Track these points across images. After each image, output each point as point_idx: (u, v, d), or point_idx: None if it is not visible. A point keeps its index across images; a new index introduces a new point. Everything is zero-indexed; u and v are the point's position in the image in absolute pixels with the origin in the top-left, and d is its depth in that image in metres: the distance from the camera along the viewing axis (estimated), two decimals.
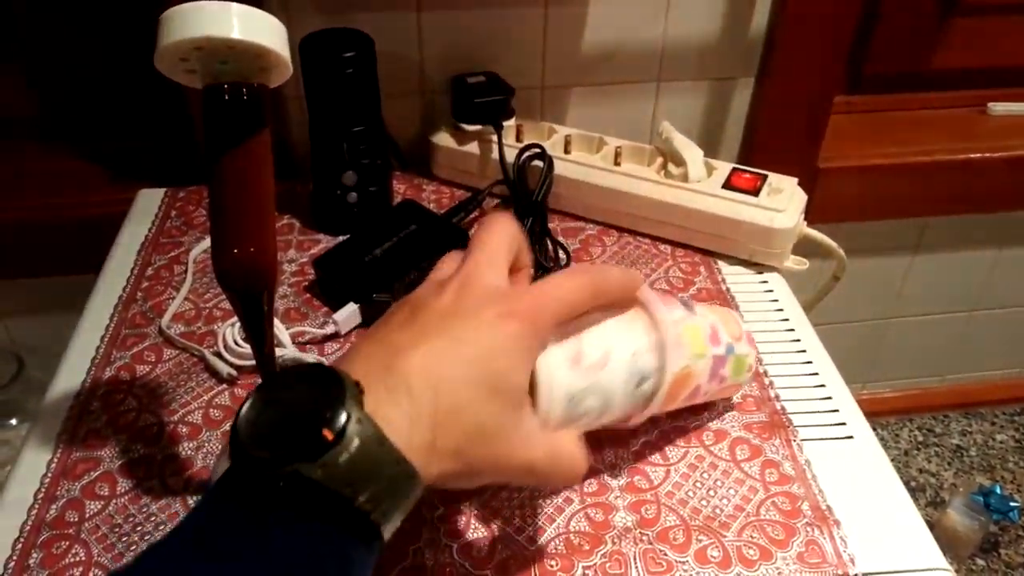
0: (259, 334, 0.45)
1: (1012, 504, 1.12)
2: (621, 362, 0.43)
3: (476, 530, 0.50)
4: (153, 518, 0.51)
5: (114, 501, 0.52)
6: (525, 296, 0.39)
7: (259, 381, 0.53)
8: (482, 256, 0.40)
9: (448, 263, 0.43)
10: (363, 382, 0.33)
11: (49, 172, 0.91)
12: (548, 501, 0.52)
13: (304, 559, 0.29)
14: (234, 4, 0.40)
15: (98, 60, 0.86)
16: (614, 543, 0.49)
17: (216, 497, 0.32)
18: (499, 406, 0.36)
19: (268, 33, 0.42)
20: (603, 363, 0.42)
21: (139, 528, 0.50)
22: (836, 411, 0.59)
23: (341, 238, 0.75)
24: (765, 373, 0.61)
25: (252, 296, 0.44)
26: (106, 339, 0.64)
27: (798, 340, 0.65)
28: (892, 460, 1.22)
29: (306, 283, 0.70)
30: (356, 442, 0.30)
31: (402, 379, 0.34)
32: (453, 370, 0.35)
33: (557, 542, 0.49)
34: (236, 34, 0.40)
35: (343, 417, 0.31)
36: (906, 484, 1.20)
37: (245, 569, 0.29)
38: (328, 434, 0.30)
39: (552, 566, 0.48)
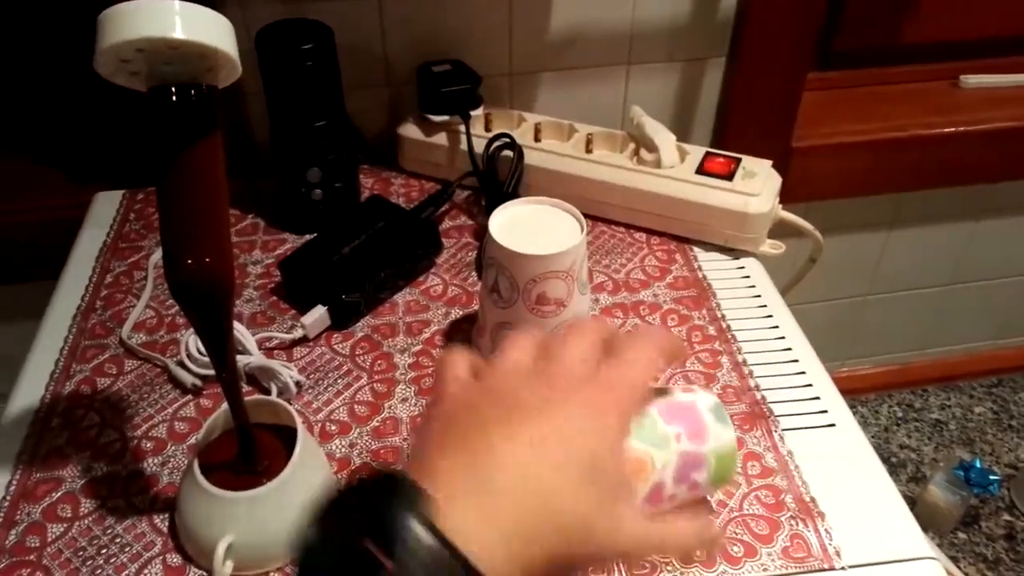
0: (219, 348, 0.43)
1: (992, 477, 1.13)
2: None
3: None
4: (119, 539, 0.49)
5: (77, 523, 0.50)
6: (612, 372, 0.35)
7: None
8: (568, 353, 0.36)
9: (521, 342, 0.37)
10: (446, 485, 0.29)
11: (0, 176, 0.87)
12: None
13: None
14: (176, 1, 0.38)
15: (48, 60, 0.82)
16: None
17: None
18: (599, 489, 0.32)
19: (214, 31, 0.39)
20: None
21: (104, 551, 0.49)
22: (817, 398, 0.58)
23: (307, 237, 0.72)
24: (744, 362, 0.60)
25: (210, 309, 0.42)
26: (65, 352, 0.62)
27: (776, 327, 0.64)
28: (872, 437, 1.24)
29: (272, 285, 0.68)
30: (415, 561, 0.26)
31: (482, 478, 0.30)
32: (540, 455, 0.31)
33: None
34: (179, 34, 0.38)
35: (399, 535, 0.27)
36: (887, 460, 1.22)
37: None
38: (387, 565, 0.26)
39: None
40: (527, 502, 0.30)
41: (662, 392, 0.47)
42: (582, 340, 0.36)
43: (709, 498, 0.50)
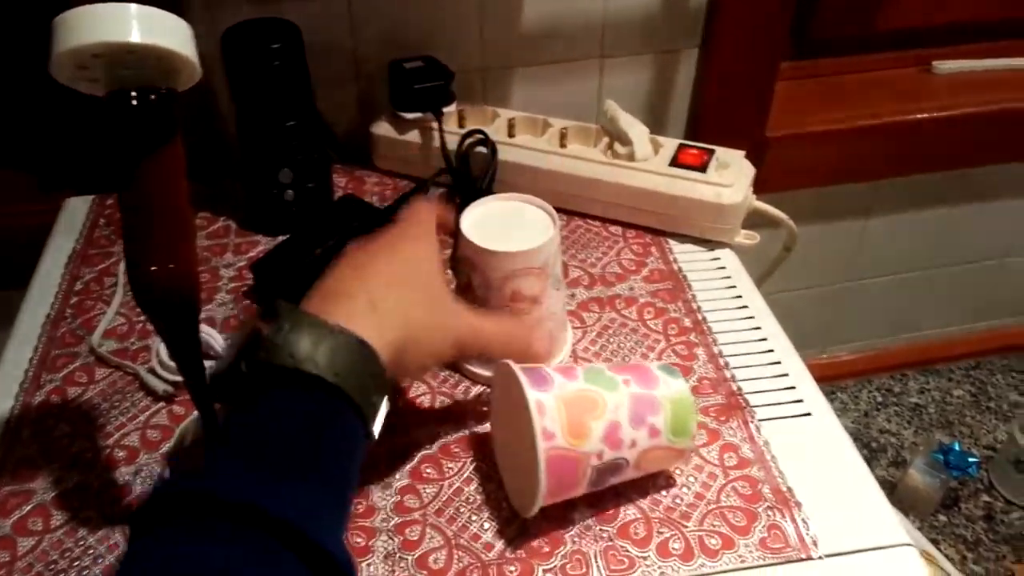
0: (187, 356, 0.43)
1: (971, 460, 1.14)
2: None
3: (432, 539, 0.49)
4: (91, 551, 0.48)
5: (48, 536, 0.49)
6: (409, 215, 0.51)
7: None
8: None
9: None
10: (303, 305, 0.40)
11: None
12: (505, 504, 0.50)
13: (285, 424, 0.35)
14: (132, 5, 0.37)
15: (9, 63, 0.81)
16: (574, 542, 0.48)
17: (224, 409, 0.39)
18: (427, 281, 0.46)
19: (172, 35, 0.39)
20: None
21: (76, 563, 0.48)
22: (793, 388, 0.58)
23: (280, 238, 0.72)
24: (720, 354, 0.60)
25: (176, 317, 0.41)
26: (35, 361, 0.61)
27: (752, 317, 0.64)
28: (852, 422, 1.24)
29: (244, 288, 0.67)
30: (287, 325, 0.37)
31: (337, 289, 0.42)
32: (376, 267, 0.44)
33: (516, 545, 0.48)
34: (135, 38, 0.37)
35: (274, 315, 0.37)
36: (867, 446, 1.23)
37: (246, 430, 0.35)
38: (262, 327, 0.37)
39: (511, 571, 0.47)
40: (369, 293, 0.42)
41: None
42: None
43: (684, 454, 0.50)
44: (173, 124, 0.41)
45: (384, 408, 0.40)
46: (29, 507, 0.51)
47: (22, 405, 0.57)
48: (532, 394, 0.44)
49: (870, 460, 0.46)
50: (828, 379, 0.55)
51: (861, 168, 1.04)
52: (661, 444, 0.47)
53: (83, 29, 0.37)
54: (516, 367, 0.46)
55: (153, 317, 0.41)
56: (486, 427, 0.55)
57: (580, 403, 0.45)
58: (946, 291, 1.25)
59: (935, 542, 1.12)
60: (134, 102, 0.40)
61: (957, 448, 1.14)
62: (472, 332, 0.48)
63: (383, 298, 0.42)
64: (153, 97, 0.40)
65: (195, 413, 0.47)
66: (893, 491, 1.16)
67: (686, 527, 0.49)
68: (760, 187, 0.72)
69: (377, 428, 0.39)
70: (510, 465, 0.51)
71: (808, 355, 0.61)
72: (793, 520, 0.49)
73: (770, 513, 0.49)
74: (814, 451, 0.54)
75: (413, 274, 0.45)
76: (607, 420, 0.45)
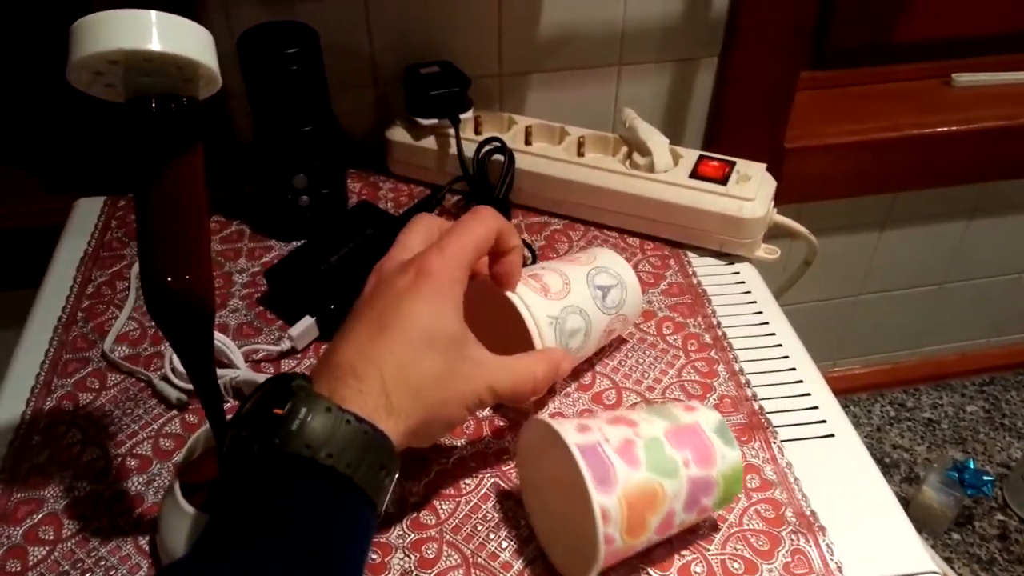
0: (199, 368, 0.42)
1: (986, 478, 1.13)
2: (580, 282, 0.54)
3: (449, 557, 0.48)
4: (103, 562, 0.48)
5: (60, 546, 0.49)
6: (426, 253, 0.44)
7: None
8: (393, 249, 0.47)
9: (371, 277, 0.47)
10: (315, 381, 0.39)
11: None
12: (523, 523, 0.49)
13: (296, 513, 0.35)
14: (153, 12, 0.36)
15: (25, 65, 0.80)
16: None
17: (225, 496, 0.37)
18: (439, 353, 0.41)
19: (192, 43, 0.38)
20: (566, 288, 0.53)
21: (88, 574, 0.47)
22: (815, 408, 0.57)
23: (294, 244, 0.71)
24: (741, 371, 0.59)
25: (190, 328, 0.41)
26: (46, 366, 0.60)
27: (773, 334, 0.63)
28: (865, 437, 1.23)
29: (258, 295, 0.66)
30: (303, 411, 0.36)
31: (346, 368, 0.39)
32: (387, 343, 0.40)
33: (534, 566, 0.47)
34: (155, 46, 0.36)
35: (290, 398, 0.36)
36: (880, 461, 1.22)
37: (259, 537, 0.34)
38: (278, 411, 0.36)
39: None
40: (379, 372, 0.39)
41: (662, 410, 0.46)
42: (400, 243, 0.47)
43: (713, 515, 0.49)
44: (195, 133, 0.40)
45: (392, 483, 0.39)
46: (40, 515, 0.50)
47: (33, 411, 0.57)
48: (597, 499, 0.41)
49: (882, 476, 0.46)
50: (840, 392, 0.55)
51: (878, 180, 1.03)
52: (704, 518, 0.47)
53: (102, 35, 0.36)
54: (576, 450, 0.41)
55: (166, 328, 0.40)
56: (503, 442, 0.54)
57: (641, 499, 0.42)
58: (961, 306, 1.24)
59: (948, 561, 1.11)
60: (155, 110, 0.39)
61: (972, 466, 1.13)
62: (492, 393, 0.44)
63: (396, 385, 0.39)
64: (174, 105, 0.39)
65: (206, 425, 0.46)
66: (906, 508, 1.15)
67: (708, 550, 0.48)
68: (776, 198, 0.71)
69: (384, 504, 0.39)
70: (547, 520, 0.48)
71: (820, 368, 0.60)
72: (817, 545, 0.48)
73: (794, 537, 0.48)
74: (837, 473, 0.53)
75: (429, 342, 0.41)
76: (664, 511, 0.43)
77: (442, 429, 0.45)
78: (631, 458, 0.42)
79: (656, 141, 0.70)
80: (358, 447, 0.36)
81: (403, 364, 0.40)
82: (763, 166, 0.70)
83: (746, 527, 0.49)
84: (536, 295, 0.52)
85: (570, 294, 0.53)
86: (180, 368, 0.57)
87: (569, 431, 0.43)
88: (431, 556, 0.47)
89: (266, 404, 0.37)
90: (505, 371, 0.45)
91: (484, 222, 0.46)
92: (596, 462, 0.41)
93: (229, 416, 0.44)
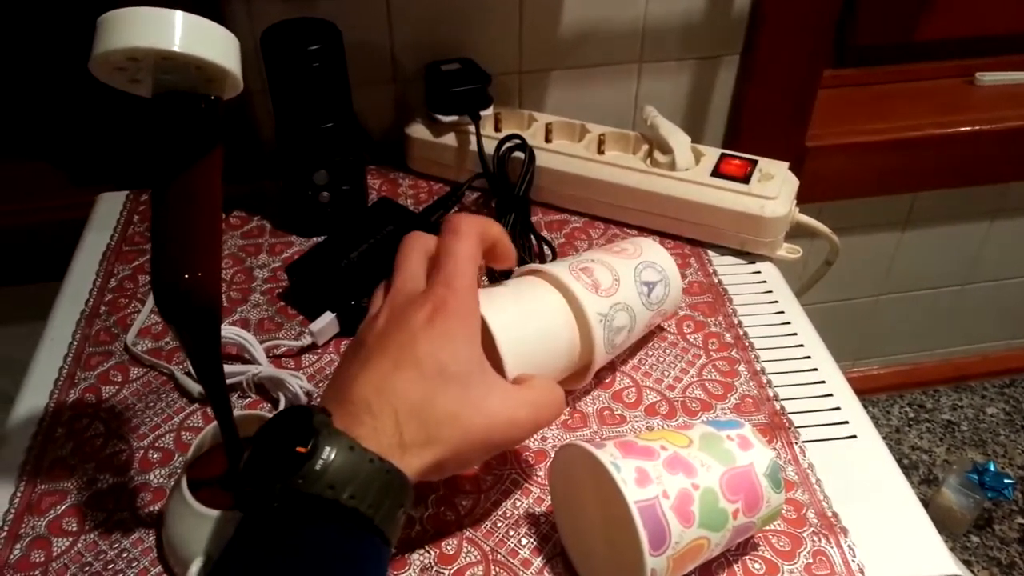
0: (208, 366, 0.42)
1: (1007, 481, 1.11)
2: (628, 278, 0.54)
3: (468, 553, 0.48)
4: (126, 554, 0.48)
5: (83, 537, 0.49)
6: (437, 288, 0.43)
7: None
8: (399, 278, 0.45)
9: (376, 298, 0.47)
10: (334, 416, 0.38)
11: (1, 176, 0.86)
12: (543, 519, 0.49)
13: (320, 562, 0.34)
14: (178, 12, 0.36)
15: (49, 57, 0.81)
16: None
17: (236, 537, 0.36)
18: (456, 388, 0.40)
19: (214, 46, 0.37)
20: (615, 284, 0.53)
21: (111, 566, 0.47)
22: (837, 408, 0.57)
23: (315, 240, 0.71)
24: (763, 371, 0.59)
25: (199, 325, 0.41)
26: (69, 359, 0.61)
27: (795, 334, 0.62)
28: (884, 438, 1.21)
29: (279, 290, 0.66)
30: (327, 450, 0.35)
31: (361, 404, 0.39)
32: (401, 378, 0.40)
33: (555, 563, 0.47)
34: (176, 46, 0.36)
35: (313, 434, 0.36)
36: (899, 462, 1.19)
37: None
38: (300, 449, 0.35)
39: None
40: (394, 409, 0.38)
41: (718, 443, 0.45)
42: (404, 269, 0.46)
43: None
44: (218, 133, 0.40)
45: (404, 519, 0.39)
46: (64, 507, 0.51)
47: (56, 403, 0.57)
48: (650, 562, 0.40)
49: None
50: (859, 393, 0.54)
51: (900, 180, 1.02)
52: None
53: (124, 32, 0.36)
54: (635, 509, 0.40)
55: (175, 324, 0.40)
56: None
57: (687, 555, 0.42)
58: (982, 307, 1.23)
59: (967, 564, 1.10)
60: (181, 107, 0.39)
61: (993, 468, 1.12)
62: (511, 425, 0.43)
63: (409, 422, 0.39)
64: (203, 103, 0.39)
65: (215, 422, 0.46)
66: (925, 510, 1.14)
67: (729, 551, 0.47)
68: (797, 197, 0.70)
69: (397, 536, 0.38)
70: (581, 536, 0.47)
71: (839, 367, 0.60)
72: (839, 546, 0.48)
73: (815, 539, 0.48)
74: (859, 474, 0.52)
75: (443, 380, 0.40)
76: (703, 559, 0.44)
77: (456, 467, 0.43)
78: (686, 516, 0.41)
79: (678, 139, 0.70)
80: (380, 487, 0.36)
81: (417, 402, 0.39)
82: (786, 164, 0.70)
83: (768, 528, 0.49)
84: (588, 291, 0.52)
85: (619, 291, 0.53)
86: None
87: (629, 482, 0.41)
88: (451, 552, 0.48)
89: (286, 439, 0.36)
90: (526, 396, 0.44)
91: (469, 237, 0.45)
92: (653, 523, 0.40)
93: (237, 412, 0.45)
